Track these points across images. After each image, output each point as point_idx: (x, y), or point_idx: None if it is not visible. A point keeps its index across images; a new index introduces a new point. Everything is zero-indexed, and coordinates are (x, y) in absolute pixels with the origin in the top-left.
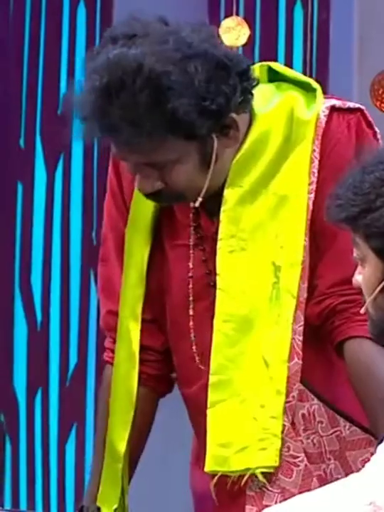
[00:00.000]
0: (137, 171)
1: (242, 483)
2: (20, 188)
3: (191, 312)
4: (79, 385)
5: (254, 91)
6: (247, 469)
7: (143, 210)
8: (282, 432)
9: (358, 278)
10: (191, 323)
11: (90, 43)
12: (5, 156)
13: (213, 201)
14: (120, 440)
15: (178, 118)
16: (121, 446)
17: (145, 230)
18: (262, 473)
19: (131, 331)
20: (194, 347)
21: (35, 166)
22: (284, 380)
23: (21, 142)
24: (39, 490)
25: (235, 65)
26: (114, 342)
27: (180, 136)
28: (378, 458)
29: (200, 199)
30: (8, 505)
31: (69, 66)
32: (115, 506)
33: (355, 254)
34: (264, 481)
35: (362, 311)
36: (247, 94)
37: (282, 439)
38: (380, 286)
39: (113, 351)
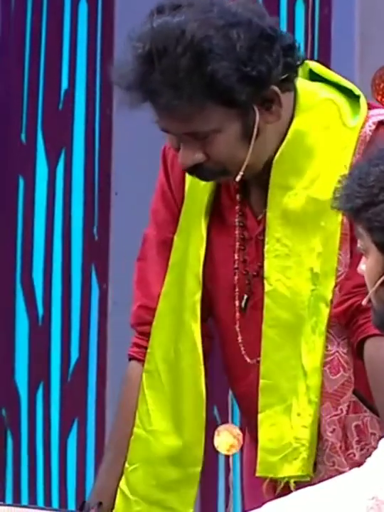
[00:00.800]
0: (180, 141)
1: (279, 489)
2: (21, 182)
3: (237, 303)
4: (80, 380)
5: (299, 84)
6: (285, 477)
7: (194, 216)
8: (318, 443)
9: (363, 267)
10: (237, 314)
11: (91, 38)
12: (6, 151)
13: (259, 196)
14: (198, 444)
15: (217, 81)
16: (199, 451)
17: (200, 236)
18: (299, 482)
19: (194, 332)
20: (239, 337)
21: (36, 160)
22: (317, 390)
23: (22, 137)
24: (40, 485)
25: (280, 38)
26: (142, 337)
27: (219, 102)
28: (380, 453)
29: (241, 173)
30: (9, 500)
31: (70, 61)
32: (190, 511)
33: (359, 245)
34: (294, 490)
35: (364, 302)
36: (291, 71)
37: (312, 448)
38: (381, 279)
39: (139, 346)
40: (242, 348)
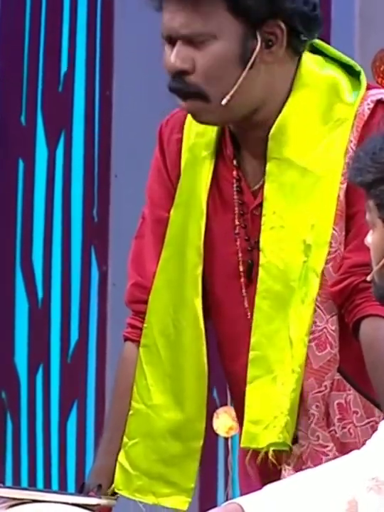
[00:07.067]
0: (176, 44)
1: (259, 460)
2: (21, 164)
3: (241, 268)
4: (80, 362)
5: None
6: (264, 446)
7: (193, 190)
8: (303, 417)
9: (369, 239)
10: (243, 279)
11: (91, 20)
12: (6, 133)
13: (254, 168)
14: (199, 418)
15: None
16: (201, 425)
17: (199, 210)
18: (279, 452)
19: (196, 306)
20: (246, 303)
21: (36, 142)
22: (300, 359)
23: (22, 119)
24: (40, 467)
25: None
26: (136, 317)
27: (225, 3)
28: (380, 434)
29: (225, 100)
30: (9, 482)
31: (70, 43)
32: (192, 485)
33: (367, 217)
34: (273, 460)
35: (368, 278)
36: (303, 19)
37: (291, 416)
38: None
39: (134, 327)
40: (249, 314)
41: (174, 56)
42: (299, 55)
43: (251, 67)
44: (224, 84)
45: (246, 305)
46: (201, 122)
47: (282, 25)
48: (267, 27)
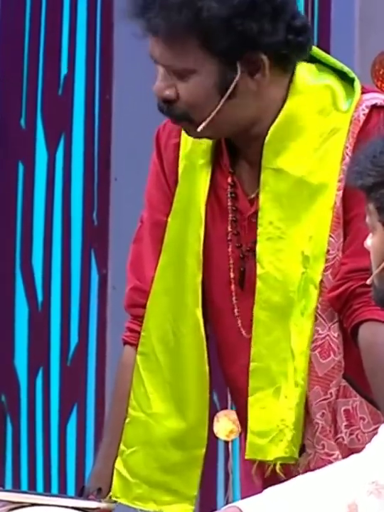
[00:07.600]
0: (162, 72)
1: (268, 473)
2: (21, 168)
3: (232, 274)
4: (80, 366)
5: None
6: (272, 460)
7: (191, 198)
8: (308, 426)
9: (369, 242)
10: (233, 286)
11: (91, 23)
12: (6, 137)
13: (250, 175)
14: (202, 425)
15: (201, 19)
16: (203, 432)
17: (198, 217)
18: (286, 465)
19: (196, 313)
20: (236, 309)
21: (36, 146)
22: (303, 372)
23: (22, 122)
24: (40, 470)
25: (289, 14)
26: (135, 321)
27: (200, 41)
28: (381, 438)
29: (203, 125)
30: (9, 486)
31: (70, 46)
32: (194, 493)
33: (367, 220)
34: (281, 473)
35: (368, 282)
36: (292, 50)
37: (297, 430)
38: None
39: (132, 331)
40: (239, 321)
41: (158, 84)
42: (291, 72)
43: (232, 95)
44: (208, 110)
45: (236, 313)
46: (193, 137)
47: (264, 57)
48: (247, 59)
